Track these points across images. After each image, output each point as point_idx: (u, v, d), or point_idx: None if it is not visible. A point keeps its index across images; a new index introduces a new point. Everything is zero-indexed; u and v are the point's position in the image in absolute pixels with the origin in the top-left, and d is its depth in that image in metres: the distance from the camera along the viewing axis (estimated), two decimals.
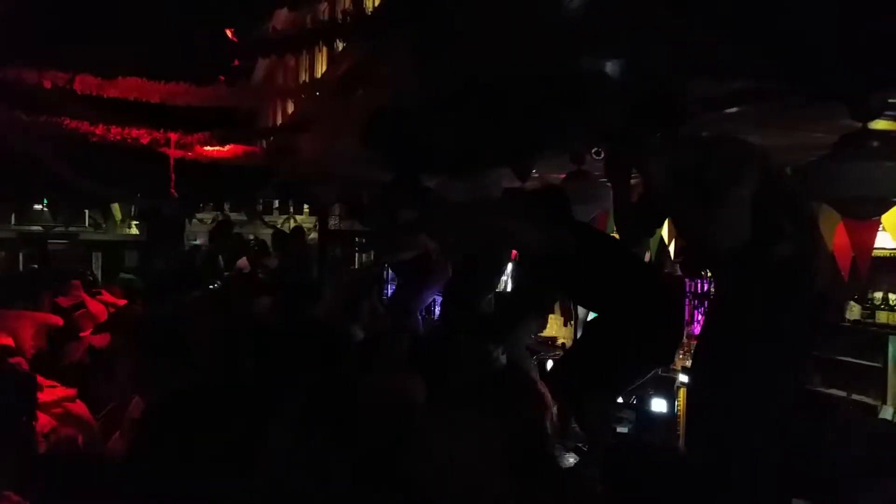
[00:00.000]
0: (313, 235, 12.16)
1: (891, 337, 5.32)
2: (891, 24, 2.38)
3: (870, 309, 5.54)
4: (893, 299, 5.45)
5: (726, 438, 2.73)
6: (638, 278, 3.44)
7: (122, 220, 12.28)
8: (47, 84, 4.92)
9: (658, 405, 5.26)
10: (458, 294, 4.61)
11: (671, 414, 5.22)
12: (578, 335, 5.74)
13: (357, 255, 12.53)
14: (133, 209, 11.70)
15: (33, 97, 5.40)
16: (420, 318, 5.69)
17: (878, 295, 5.55)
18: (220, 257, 8.63)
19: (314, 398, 2.67)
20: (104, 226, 12.48)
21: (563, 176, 4.98)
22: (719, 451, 2.76)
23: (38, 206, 13.21)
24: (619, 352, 3.28)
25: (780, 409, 2.75)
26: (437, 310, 6.55)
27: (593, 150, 4.48)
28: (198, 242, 11.20)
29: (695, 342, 5.64)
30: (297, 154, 7.20)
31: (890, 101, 2.99)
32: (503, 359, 3.71)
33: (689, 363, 5.46)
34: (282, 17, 6.70)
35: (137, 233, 14.73)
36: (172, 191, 6.92)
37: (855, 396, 5.47)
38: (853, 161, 2.92)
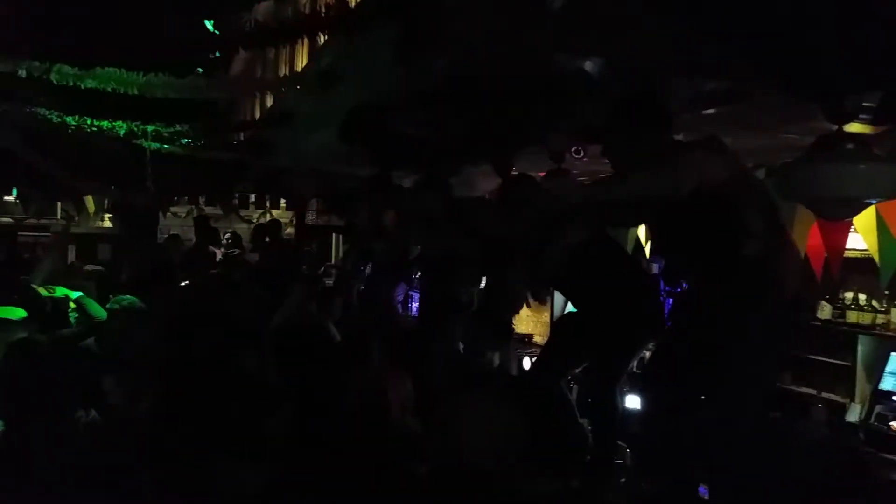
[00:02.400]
0: (290, 230, 12.08)
1: (860, 336, 5.41)
2: (866, 27, 2.42)
3: (840, 309, 5.63)
4: (863, 299, 5.53)
5: (686, 439, 2.74)
6: (620, 265, 3.47)
7: (96, 213, 12.05)
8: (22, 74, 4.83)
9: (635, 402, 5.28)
10: (440, 290, 4.61)
11: None
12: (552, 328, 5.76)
13: (334, 249, 12.48)
14: (106, 202, 11.51)
15: (6, 86, 5.31)
16: (398, 311, 5.69)
17: (849, 295, 5.63)
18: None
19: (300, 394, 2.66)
20: (77, 218, 12.27)
21: (543, 174, 5.00)
22: (677, 451, 2.76)
23: (8, 198, 12.97)
24: (606, 336, 3.29)
25: (749, 407, 2.78)
26: (415, 305, 6.55)
27: (573, 149, 4.51)
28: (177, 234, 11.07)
29: None
30: (275, 148, 7.14)
31: (864, 104, 3.04)
32: (496, 358, 3.72)
33: None
34: (262, 9, 6.63)
35: (111, 226, 14.51)
36: (148, 184, 6.84)
37: (824, 394, 5.56)
38: (828, 163, 2.97)
